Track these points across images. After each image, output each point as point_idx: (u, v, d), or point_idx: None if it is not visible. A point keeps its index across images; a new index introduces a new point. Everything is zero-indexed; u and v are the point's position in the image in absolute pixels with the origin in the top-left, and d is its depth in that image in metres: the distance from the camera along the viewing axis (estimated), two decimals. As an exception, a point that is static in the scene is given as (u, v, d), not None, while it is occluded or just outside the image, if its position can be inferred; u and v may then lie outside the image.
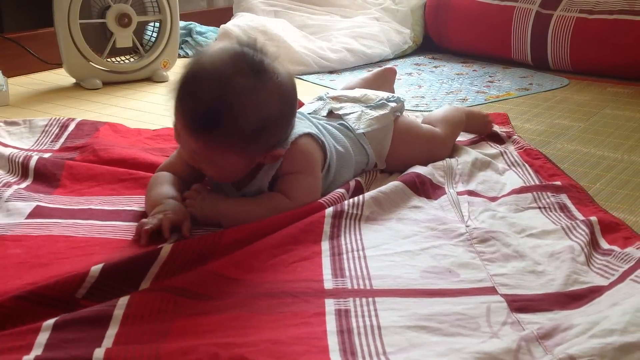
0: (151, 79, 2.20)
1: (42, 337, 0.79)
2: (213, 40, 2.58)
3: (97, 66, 2.11)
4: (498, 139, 1.57)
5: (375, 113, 1.35)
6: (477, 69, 2.38)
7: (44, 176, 1.30)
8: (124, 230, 1.10)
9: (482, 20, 2.47)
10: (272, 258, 1.01)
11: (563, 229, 1.13)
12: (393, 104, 1.39)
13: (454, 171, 1.36)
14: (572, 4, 2.34)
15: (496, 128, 1.62)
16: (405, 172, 1.32)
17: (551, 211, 1.21)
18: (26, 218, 1.12)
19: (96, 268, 0.90)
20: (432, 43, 2.66)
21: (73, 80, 2.14)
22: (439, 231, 1.12)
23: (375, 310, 0.88)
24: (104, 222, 1.12)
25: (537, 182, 1.32)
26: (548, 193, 1.26)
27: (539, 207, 1.22)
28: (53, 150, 1.47)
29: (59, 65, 2.19)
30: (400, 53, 2.56)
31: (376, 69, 1.73)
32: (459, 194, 1.27)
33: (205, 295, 0.90)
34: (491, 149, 1.51)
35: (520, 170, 1.39)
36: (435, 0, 2.63)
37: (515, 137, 1.58)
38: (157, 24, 2.19)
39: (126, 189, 1.25)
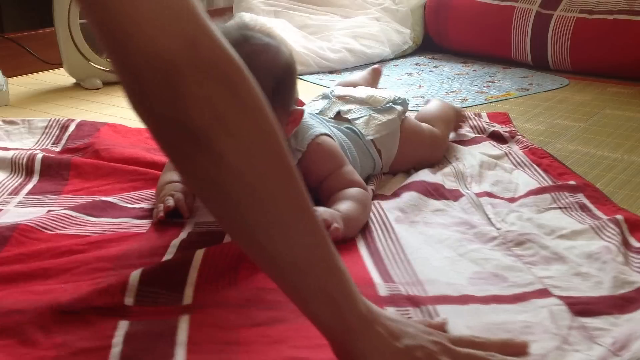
0: (151, 79, 2.20)
1: (115, 350, 0.78)
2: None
3: (97, 66, 2.11)
4: (501, 139, 1.57)
5: (384, 118, 1.34)
6: (477, 69, 2.37)
7: (51, 175, 1.30)
8: (138, 225, 1.10)
9: (482, 20, 2.47)
10: None
11: (592, 229, 1.12)
12: (400, 107, 1.38)
13: (464, 175, 1.36)
14: (572, 4, 2.34)
15: (498, 128, 1.62)
16: (412, 181, 1.29)
17: (573, 211, 1.20)
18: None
19: (135, 274, 0.89)
20: (432, 43, 2.66)
21: (73, 80, 2.14)
22: (471, 235, 1.11)
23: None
24: (117, 220, 1.12)
25: (551, 182, 1.32)
26: (565, 193, 1.25)
27: (560, 208, 1.21)
28: (55, 152, 1.46)
29: (59, 65, 2.19)
30: (400, 53, 2.56)
31: (364, 71, 1.71)
32: (477, 195, 1.26)
33: (261, 305, 0.88)
34: (495, 149, 1.51)
35: (529, 170, 1.39)
36: (435, 0, 2.63)
37: (518, 136, 1.58)
38: (157, 24, 2.19)
39: (135, 188, 1.25)
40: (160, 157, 1.37)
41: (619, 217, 1.13)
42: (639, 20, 2.20)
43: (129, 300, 0.86)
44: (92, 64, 2.10)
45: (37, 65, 2.24)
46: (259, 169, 0.61)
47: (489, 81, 2.21)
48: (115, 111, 1.87)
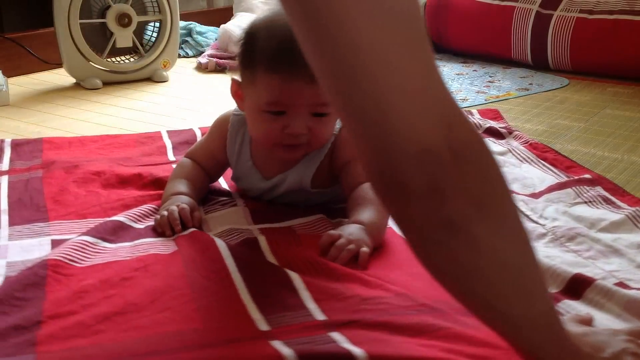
0: (151, 79, 2.20)
1: None
2: (213, 40, 2.58)
3: (97, 66, 2.11)
4: (498, 135, 1.57)
5: None
6: (477, 69, 2.37)
7: (23, 201, 1.19)
8: (163, 245, 1.04)
9: (482, 20, 2.47)
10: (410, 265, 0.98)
11: (629, 219, 1.14)
12: None
13: None
14: (572, 4, 2.34)
15: (493, 124, 1.62)
16: None
17: (598, 204, 1.22)
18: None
19: (247, 300, 0.87)
20: (432, 43, 2.65)
21: (73, 80, 2.14)
22: None
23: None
24: (135, 242, 1.05)
25: (565, 177, 1.34)
26: (585, 187, 1.27)
27: (586, 202, 1.23)
28: (15, 173, 1.33)
29: (59, 65, 2.19)
30: (400, 53, 2.56)
31: None
32: None
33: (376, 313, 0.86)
34: (497, 146, 1.51)
35: (537, 165, 1.41)
36: (435, 0, 2.62)
37: (516, 132, 1.58)
38: (157, 24, 2.19)
39: (126, 206, 1.17)
40: (131, 168, 1.31)
41: None
42: (639, 20, 2.20)
43: (263, 326, 0.83)
44: (92, 64, 2.10)
45: (37, 65, 2.24)
46: (509, 245, 0.61)
47: (489, 81, 2.21)
48: (115, 111, 1.87)
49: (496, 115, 1.75)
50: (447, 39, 2.59)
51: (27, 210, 1.16)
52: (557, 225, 1.13)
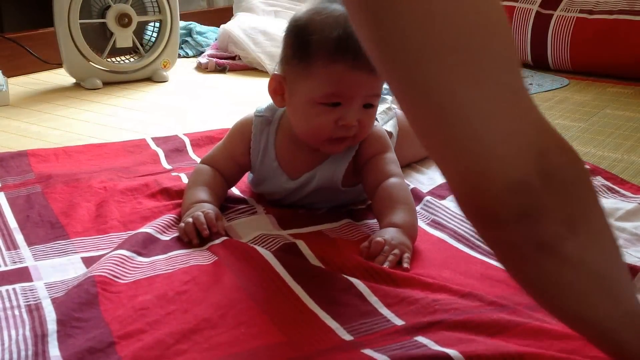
0: (151, 79, 2.20)
1: None
2: (213, 40, 2.58)
3: (97, 66, 2.11)
4: None
5: (382, 107, 1.32)
6: (477, 69, 2.37)
7: (30, 218, 1.13)
8: (200, 255, 1.01)
9: (482, 20, 2.47)
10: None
11: None
12: (389, 96, 1.37)
13: None
14: (572, 4, 2.34)
15: None
16: (438, 187, 1.28)
17: (605, 193, 1.26)
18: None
19: (317, 311, 0.85)
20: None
21: (73, 80, 2.14)
22: None
23: None
24: (169, 255, 1.01)
25: None
26: None
27: None
28: (11, 190, 1.26)
29: (59, 65, 2.19)
30: (400, 53, 2.56)
31: None
32: None
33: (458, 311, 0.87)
34: None
35: None
36: (435, 0, 2.62)
37: None
38: (157, 24, 2.19)
39: (145, 218, 1.14)
40: (132, 181, 1.28)
41: None
42: (639, 20, 2.20)
43: (346, 335, 0.82)
44: (92, 64, 2.10)
45: (37, 65, 2.24)
46: (599, 258, 0.62)
47: (489, 81, 2.21)
48: (115, 111, 1.87)
49: None
50: (447, 39, 2.59)
51: (41, 228, 1.10)
52: None
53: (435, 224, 1.12)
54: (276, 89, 1.10)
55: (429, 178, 1.34)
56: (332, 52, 1.02)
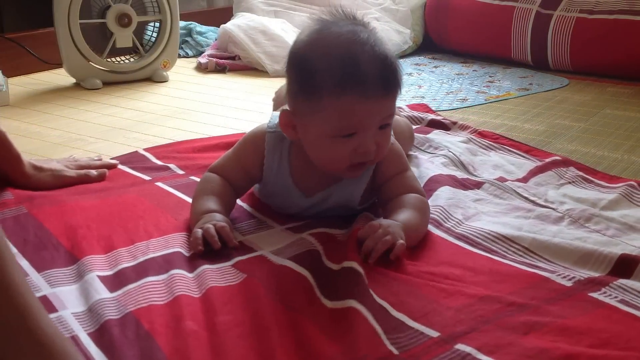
0: (151, 79, 2.20)
1: None
2: (213, 40, 2.58)
3: (97, 66, 2.11)
4: (443, 126, 1.63)
5: None
6: (477, 69, 2.37)
7: (33, 244, 1.06)
8: (223, 274, 0.97)
9: (482, 20, 2.47)
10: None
11: (624, 197, 1.23)
12: None
13: (464, 163, 1.39)
14: (572, 4, 2.34)
15: (433, 116, 1.68)
16: (432, 175, 1.29)
17: (581, 183, 1.30)
18: (113, 292, 0.92)
19: (372, 324, 0.84)
20: (432, 43, 2.66)
21: (73, 80, 2.14)
22: (536, 218, 1.15)
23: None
24: (195, 274, 0.97)
25: (538, 161, 1.40)
26: (562, 168, 1.36)
27: (570, 182, 1.31)
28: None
29: (59, 65, 2.19)
30: (400, 53, 2.56)
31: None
32: (498, 180, 1.31)
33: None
34: (457, 137, 1.56)
35: (503, 152, 1.47)
36: (435, 0, 2.62)
37: (460, 122, 1.64)
38: (157, 24, 2.19)
39: (149, 235, 1.09)
40: (119, 197, 1.22)
41: (633, 182, 1.27)
42: (639, 20, 2.20)
43: (394, 350, 0.81)
44: (92, 64, 2.10)
45: (37, 65, 2.24)
46: None
47: (489, 81, 2.21)
48: (115, 111, 1.87)
49: (427, 109, 1.81)
50: (447, 39, 2.59)
51: (45, 251, 1.03)
52: (571, 208, 1.18)
53: (432, 221, 1.12)
54: (287, 124, 1.05)
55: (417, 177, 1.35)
56: (340, 85, 0.96)
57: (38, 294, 0.92)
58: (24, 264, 1.00)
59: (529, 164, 1.39)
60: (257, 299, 0.91)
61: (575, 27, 2.28)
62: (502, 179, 1.31)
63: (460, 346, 0.80)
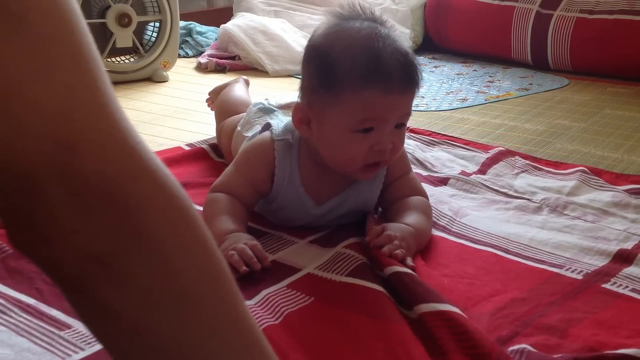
0: (151, 79, 2.20)
1: None
2: (213, 40, 2.58)
3: (97, 66, 2.11)
4: None
5: None
6: (477, 69, 2.37)
7: (10, 275, 0.96)
8: (287, 296, 0.93)
9: (482, 20, 2.47)
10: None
11: (582, 183, 1.28)
12: None
13: (422, 161, 1.40)
14: (572, 4, 2.34)
15: None
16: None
17: (533, 171, 1.35)
18: None
19: (470, 326, 0.83)
20: (432, 43, 2.66)
21: (73, 80, 2.14)
22: (517, 210, 1.17)
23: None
24: (256, 301, 0.92)
25: (484, 153, 1.43)
26: (510, 158, 1.40)
27: (524, 171, 1.35)
28: None
29: (59, 65, 2.19)
30: (400, 53, 2.56)
31: (234, 82, 1.63)
32: (463, 174, 1.32)
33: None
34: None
35: (446, 146, 1.50)
36: (435, 0, 2.63)
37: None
38: (157, 24, 2.19)
39: None
40: None
41: (583, 168, 1.34)
42: (639, 20, 2.20)
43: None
44: (92, 64, 2.10)
45: (37, 65, 2.24)
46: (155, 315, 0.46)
47: (489, 81, 2.21)
48: (115, 111, 1.87)
49: None
50: (447, 39, 2.60)
51: (23, 285, 0.94)
52: (545, 197, 1.21)
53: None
54: (302, 119, 1.03)
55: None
56: (362, 78, 0.96)
57: (92, 350, 0.82)
58: (56, 313, 0.90)
59: (478, 156, 1.42)
60: (342, 318, 0.87)
61: (575, 27, 2.28)
62: (465, 173, 1.32)
63: (516, 346, 0.80)
